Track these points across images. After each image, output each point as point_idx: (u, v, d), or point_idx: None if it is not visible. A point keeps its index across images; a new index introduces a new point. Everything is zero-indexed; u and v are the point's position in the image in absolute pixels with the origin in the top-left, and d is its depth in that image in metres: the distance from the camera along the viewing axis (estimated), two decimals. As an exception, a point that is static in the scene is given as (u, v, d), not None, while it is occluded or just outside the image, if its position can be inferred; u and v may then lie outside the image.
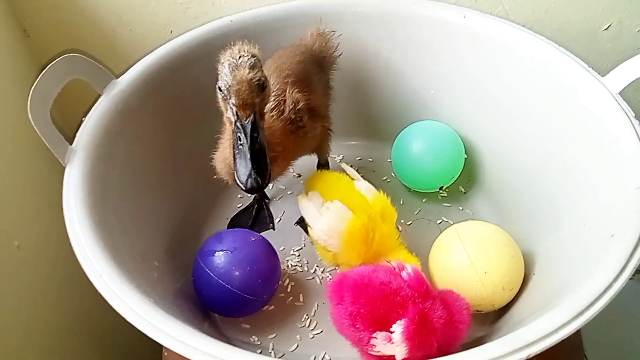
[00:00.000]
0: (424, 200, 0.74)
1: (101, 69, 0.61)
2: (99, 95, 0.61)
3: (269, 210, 0.73)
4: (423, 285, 0.51)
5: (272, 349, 0.59)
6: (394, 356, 0.48)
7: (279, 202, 0.75)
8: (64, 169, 0.55)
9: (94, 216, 0.51)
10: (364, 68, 0.74)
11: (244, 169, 0.49)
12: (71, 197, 0.52)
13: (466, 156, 0.72)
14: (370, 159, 0.79)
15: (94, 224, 0.50)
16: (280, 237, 0.69)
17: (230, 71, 0.50)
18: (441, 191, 0.74)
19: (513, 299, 0.58)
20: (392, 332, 0.48)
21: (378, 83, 0.75)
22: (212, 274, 0.57)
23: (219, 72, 0.51)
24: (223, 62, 0.51)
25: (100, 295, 0.46)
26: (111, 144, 0.59)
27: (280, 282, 0.63)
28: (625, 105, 0.55)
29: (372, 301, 0.50)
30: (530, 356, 0.39)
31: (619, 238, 0.46)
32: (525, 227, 0.63)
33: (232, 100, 0.50)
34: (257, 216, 0.71)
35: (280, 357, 0.59)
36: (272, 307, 0.63)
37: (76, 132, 0.58)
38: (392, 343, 0.48)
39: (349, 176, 0.64)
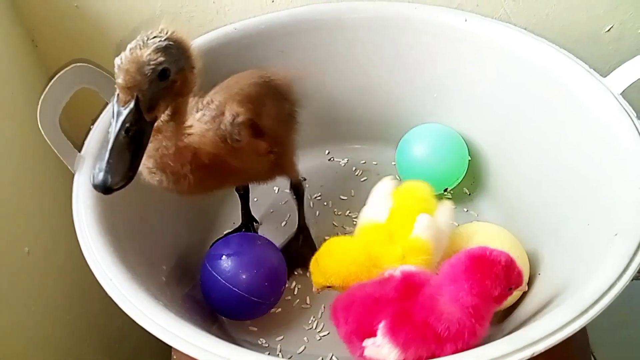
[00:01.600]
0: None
1: (108, 78, 0.62)
2: (107, 104, 0.62)
3: (312, 242, 0.69)
4: (409, 283, 0.50)
5: (280, 351, 0.60)
6: None
7: (285, 206, 0.75)
8: (73, 176, 0.56)
9: (102, 222, 0.52)
10: (366, 72, 0.74)
11: (99, 161, 0.41)
12: (80, 203, 0.53)
13: (470, 158, 0.73)
14: (375, 162, 0.80)
15: (103, 230, 0.51)
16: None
17: (131, 47, 0.43)
18: (446, 193, 0.74)
19: (518, 299, 0.58)
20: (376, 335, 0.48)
21: (381, 87, 0.75)
22: (219, 277, 0.58)
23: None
24: (137, 36, 0.44)
25: (108, 300, 0.47)
26: (119, 151, 0.59)
27: (286, 285, 0.64)
28: (627, 105, 0.56)
29: (358, 315, 0.50)
30: (535, 354, 0.39)
31: (622, 237, 0.46)
32: (529, 228, 0.63)
33: (118, 80, 0.42)
34: (301, 249, 0.68)
35: (288, 359, 0.59)
36: (279, 309, 0.64)
37: (85, 139, 0.59)
38: (379, 345, 0.48)
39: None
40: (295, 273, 0.67)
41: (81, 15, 0.77)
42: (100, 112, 0.62)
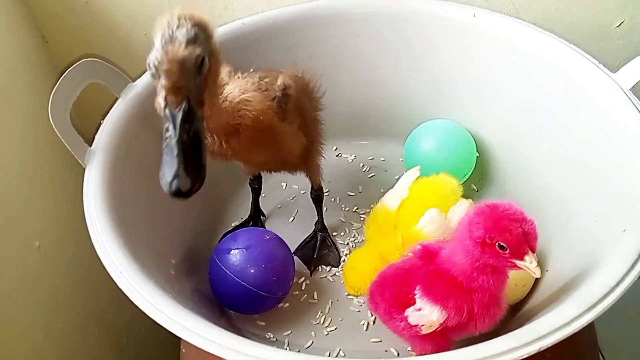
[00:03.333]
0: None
1: (118, 73, 0.63)
2: (116, 98, 0.63)
3: (333, 242, 0.69)
4: (430, 250, 0.52)
5: (288, 345, 0.60)
6: (442, 327, 0.49)
7: (293, 202, 0.76)
8: (83, 170, 0.57)
9: (113, 215, 0.53)
10: (374, 68, 0.74)
11: (169, 168, 0.39)
12: (91, 197, 0.54)
13: (478, 154, 0.73)
14: (383, 158, 0.80)
15: (113, 223, 0.52)
16: (294, 235, 0.70)
17: (162, 45, 0.40)
18: (454, 189, 0.74)
19: (527, 295, 0.58)
20: (415, 302, 0.50)
21: (388, 82, 0.75)
22: (228, 272, 0.58)
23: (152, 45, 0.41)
24: (157, 31, 0.41)
25: (116, 294, 0.47)
26: (128, 145, 0.60)
27: (294, 280, 0.64)
28: (636, 101, 0.55)
29: (393, 289, 0.52)
30: (542, 349, 0.39)
31: (631, 233, 0.46)
32: (538, 224, 0.62)
33: (162, 82, 0.41)
34: (320, 250, 0.68)
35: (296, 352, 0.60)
36: (287, 304, 0.64)
37: (95, 134, 0.60)
38: (421, 309, 0.49)
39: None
40: (319, 269, 0.68)
41: (90, 11, 0.78)
42: (111, 107, 0.62)
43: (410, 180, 0.62)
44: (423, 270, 0.51)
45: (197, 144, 0.41)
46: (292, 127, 0.56)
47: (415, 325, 0.50)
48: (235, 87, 0.51)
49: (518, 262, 0.46)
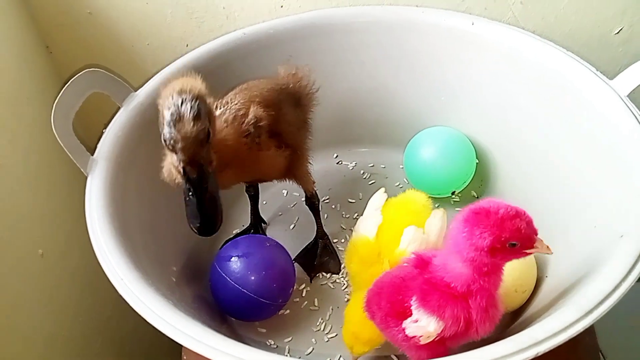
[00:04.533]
0: (436, 206, 0.74)
1: (120, 83, 0.64)
2: (119, 108, 0.64)
3: (334, 249, 0.70)
4: (424, 258, 0.51)
5: (288, 352, 0.61)
6: (440, 336, 0.49)
7: (294, 209, 0.76)
8: (85, 178, 0.58)
9: (114, 223, 0.53)
10: (373, 76, 0.75)
11: (194, 218, 0.49)
12: (93, 205, 0.54)
13: (477, 161, 0.73)
14: (383, 165, 0.80)
15: (114, 231, 0.52)
16: (295, 242, 0.70)
17: (173, 124, 0.46)
18: (453, 196, 0.74)
19: (526, 302, 0.59)
20: (412, 313, 0.49)
21: (388, 90, 0.76)
22: (228, 279, 0.59)
23: (161, 117, 0.47)
24: (164, 108, 0.47)
25: (120, 302, 0.48)
26: (130, 154, 0.61)
27: (295, 287, 0.64)
28: (633, 107, 0.56)
29: (389, 298, 0.52)
30: (540, 354, 0.39)
31: (628, 238, 0.46)
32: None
33: (180, 157, 0.47)
34: (321, 257, 0.69)
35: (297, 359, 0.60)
36: (288, 311, 0.64)
37: (97, 143, 0.61)
38: (418, 320, 0.49)
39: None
40: (319, 276, 0.68)
41: (94, 21, 0.79)
42: (113, 116, 0.63)
43: (379, 203, 0.61)
44: (418, 280, 0.50)
45: (213, 197, 0.49)
46: (269, 152, 0.59)
47: (414, 337, 0.50)
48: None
49: (530, 251, 0.46)
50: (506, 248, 0.45)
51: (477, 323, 0.49)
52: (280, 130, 0.60)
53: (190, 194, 0.49)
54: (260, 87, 0.61)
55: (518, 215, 0.45)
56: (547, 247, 0.46)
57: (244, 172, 0.58)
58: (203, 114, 0.47)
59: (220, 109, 0.57)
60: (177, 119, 0.46)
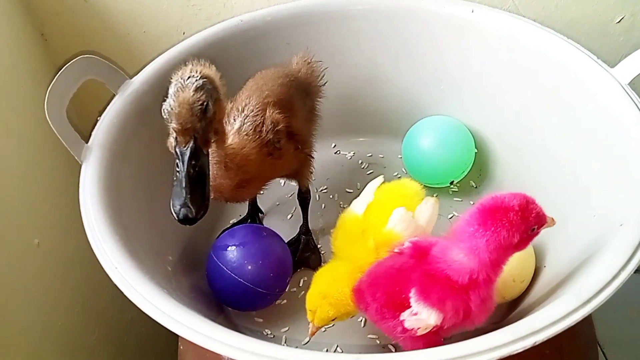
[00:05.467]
0: (435, 195, 0.73)
1: (115, 70, 0.63)
2: (114, 95, 0.63)
3: (315, 245, 0.69)
4: (422, 248, 0.51)
5: (285, 342, 0.60)
6: (437, 327, 0.49)
7: (291, 199, 0.75)
8: (80, 166, 0.57)
9: (109, 211, 0.53)
10: (372, 64, 0.74)
11: (177, 199, 0.46)
12: (87, 193, 0.54)
13: (476, 150, 0.72)
14: (381, 155, 0.80)
15: (109, 219, 0.52)
16: (291, 232, 0.70)
17: (174, 92, 0.47)
18: (452, 186, 0.74)
19: (524, 292, 0.58)
20: (411, 305, 0.49)
21: (387, 79, 0.75)
22: (225, 268, 0.58)
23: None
24: (171, 83, 0.48)
25: (117, 293, 0.47)
26: (125, 141, 0.60)
27: (292, 276, 0.64)
28: (634, 95, 0.55)
29: (385, 289, 0.51)
30: (537, 343, 0.39)
31: (627, 227, 0.46)
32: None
33: (173, 124, 0.47)
34: (303, 252, 0.68)
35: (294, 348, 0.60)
36: (285, 301, 0.64)
37: (92, 130, 0.60)
38: (417, 313, 0.48)
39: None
40: (298, 270, 0.67)
41: (90, 9, 0.78)
42: (107, 104, 0.62)
43: (375, 186, 0.61)
44: (417, 272, 0.50)
45: (202, 178, 0.47)
46: (288, 157, 0.60)
47: (412, 329, 0.49)
48: (233, 140, 0.56)
49: (542, 228, 0.47)
50: (528, 235, 0.46)
51: (475, 314, 0.49)
52: (294, 129, 0.60)
53: (177, 170, 0.47)
54: (270, 83, 0.61)
55: (527, 200, 0.46)
56: (552, 218, 0.48)
57: (264, 181, 0.60)
58: (206, 89, 0.47)
59: (238, 118, 0.57)
60: (180, 88, 0.47)
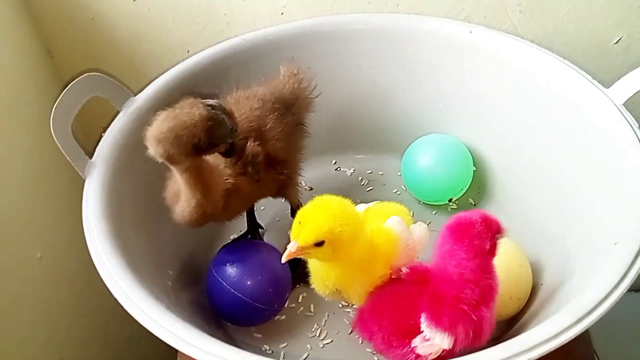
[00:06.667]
0: (434, 213, 0.75)
1: (120, 87, 0.64)
2: (118, 112, 0.64)
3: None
4: (421, 272, 0.52)
5: (283, 358, 0.60)
6: (447, 350, 0.49)
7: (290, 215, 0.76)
8: (83, 181, 0.58)
9: (110, 226, 0.53)
10: (372, 83, 0.75)
11: None
12: (90, 208, 0.55)
13: (475, 168, 0.73)
14: (381, 172, 0.80)
15: (110, 233, 0.53)
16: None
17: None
18: (451, 203, 0.74)
19: (522, 309, 0.58)
20: (422, 331, 0.49)
21: (387, 97, 0.76)
22: (224, 283, 0.59)
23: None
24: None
25: (117, 307, 0.48)
26: (128, 157, 0.61)
27: (291, 292, 0.64)
28: (629, 115, 0.56)
29: (392, 316, 0.51)
30: (531, 361, 0.39)
31: (621, 246, 0.46)
32: (533, 238, 0.63)
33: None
34: (299, 268, 0.66)
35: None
36: (284, 317, 0.64)
37: (96, 146, 0.61)
38: (430, 339, 0.48)
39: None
40: (297, 287, 0.67)
41: (95, 26, 0.80)
42: (112, 120, 0.63)
43: (363, 209, 0.60)
44: (424, 297, 0.50)
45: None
46: (267, 183, 0.61)
47: (421, 354, 0.49)
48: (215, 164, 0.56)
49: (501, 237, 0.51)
50: (495, 243, 0.49)
51: (485, 332, 0.49)
52: (273, 153, 0.60)
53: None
54: (245, 107, 0.60)
55: (484, 213, 0.50)
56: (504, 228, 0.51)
57: (245, 205, 0.62)
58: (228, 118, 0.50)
59: None
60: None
